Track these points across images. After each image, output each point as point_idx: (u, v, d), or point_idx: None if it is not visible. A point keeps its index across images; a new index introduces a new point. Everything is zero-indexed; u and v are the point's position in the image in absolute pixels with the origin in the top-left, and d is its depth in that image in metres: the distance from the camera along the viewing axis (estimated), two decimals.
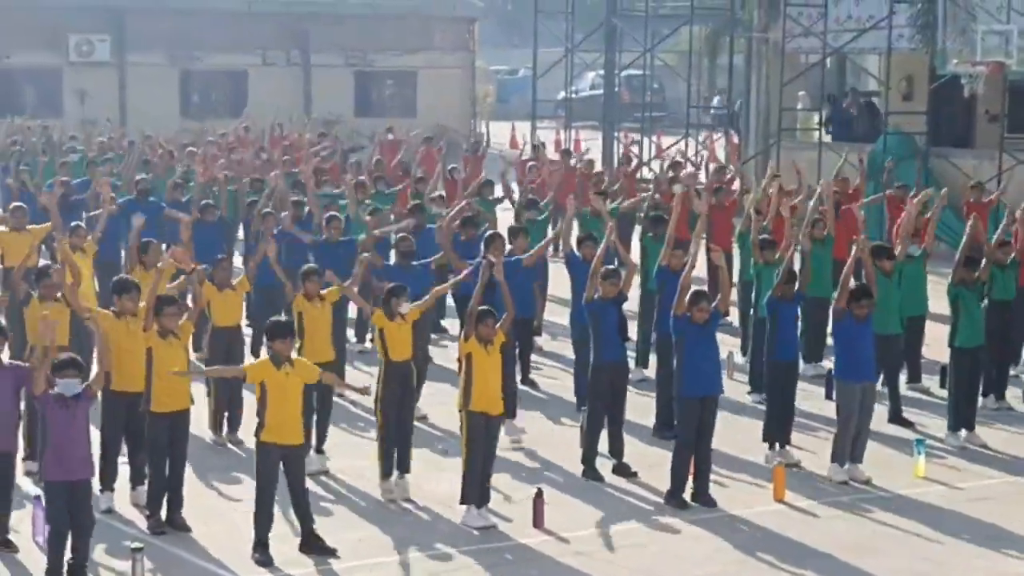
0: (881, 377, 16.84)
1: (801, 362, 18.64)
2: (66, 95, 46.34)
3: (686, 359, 14.32)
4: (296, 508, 12.94)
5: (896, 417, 17.22)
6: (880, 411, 16.34)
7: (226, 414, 16.26)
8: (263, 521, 12.75)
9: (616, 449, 15.36)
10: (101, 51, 46.54)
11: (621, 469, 15.28)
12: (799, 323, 16.34)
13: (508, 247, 17.68)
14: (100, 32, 46.49)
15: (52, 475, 12.14)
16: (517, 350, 17.41)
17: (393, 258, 18.58)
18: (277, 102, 46.11)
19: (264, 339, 13.48)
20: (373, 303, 15.11)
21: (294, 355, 13.22)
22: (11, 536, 12.94)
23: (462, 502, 13.72)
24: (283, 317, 14.37)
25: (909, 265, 18.11)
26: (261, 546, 12.73)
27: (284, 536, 13.02)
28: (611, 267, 15.66)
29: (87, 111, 45.20)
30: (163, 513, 13.39)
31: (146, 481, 13.71)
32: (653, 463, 15.28)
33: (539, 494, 13.80)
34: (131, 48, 46.69)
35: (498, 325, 13.78)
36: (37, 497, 12.95)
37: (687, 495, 14.29)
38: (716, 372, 14.55)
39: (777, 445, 15.65)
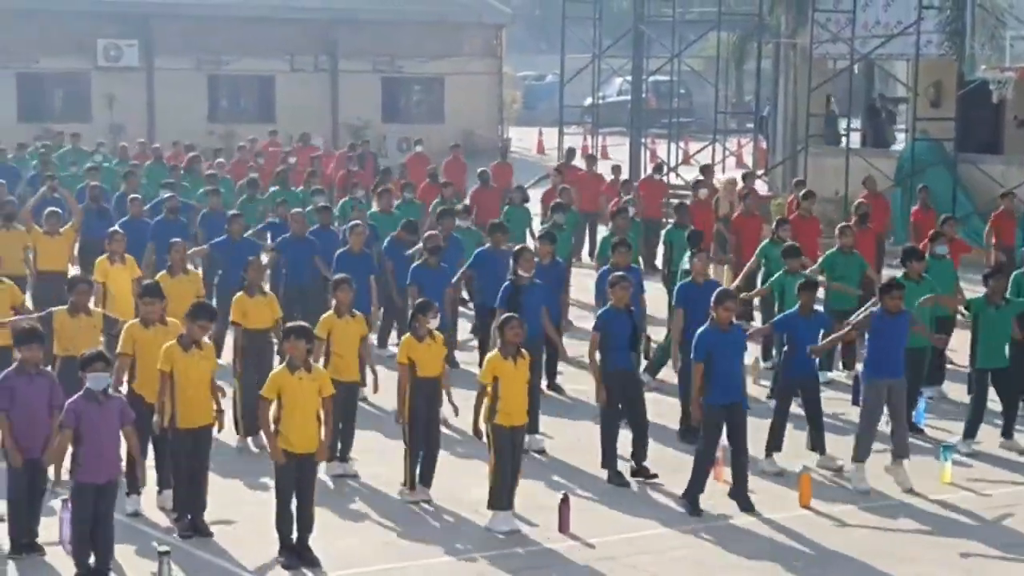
0: None
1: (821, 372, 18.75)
2: (94, 100, 46.52)
3: (715, 368, 14.29)
4: (299, 514, 12.87)
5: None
6: None
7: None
8: (284, 524, 12.77)
9: (638, 455, 15.35)
10: (129, 56, 46.74)
11: (641, 472, 15.28)
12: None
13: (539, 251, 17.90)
14: (128, 37, 46.69)
15: (84, 477, 12.20)
16: (544, 357, 17.44)
17: (420, 258, 18.58)
18: (304, 107, 46.38)
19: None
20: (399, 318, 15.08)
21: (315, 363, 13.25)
22: (39, 540, 12.99)
23: (491, 507, 13.73)
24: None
25: (937, 262, 18.12)
26: (285, 549, 12.76)
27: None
28: (621, 274, 15.68)
29: (115, 116, 45.38)
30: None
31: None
32: (678, 467, 15.27)
33: (565, 499, 13.80)
34: (159, 53, 46.88)
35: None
36: (64, 501, 12.99)
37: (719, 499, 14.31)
38: (740, 380, 14.51)
39: (775, 455, 15.67)
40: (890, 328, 15.02)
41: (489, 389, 13.71)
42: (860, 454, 15.13)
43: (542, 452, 16.22)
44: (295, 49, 48.30)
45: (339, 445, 15.24)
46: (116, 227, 19.67)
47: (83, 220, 22.03)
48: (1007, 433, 16.62)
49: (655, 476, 15.20)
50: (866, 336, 15.26)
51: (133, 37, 46.79)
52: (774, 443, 15.70)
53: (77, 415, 12.17)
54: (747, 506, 14.29)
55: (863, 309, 15.94)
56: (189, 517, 13.41)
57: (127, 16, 46.46)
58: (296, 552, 12.78)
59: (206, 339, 13.59)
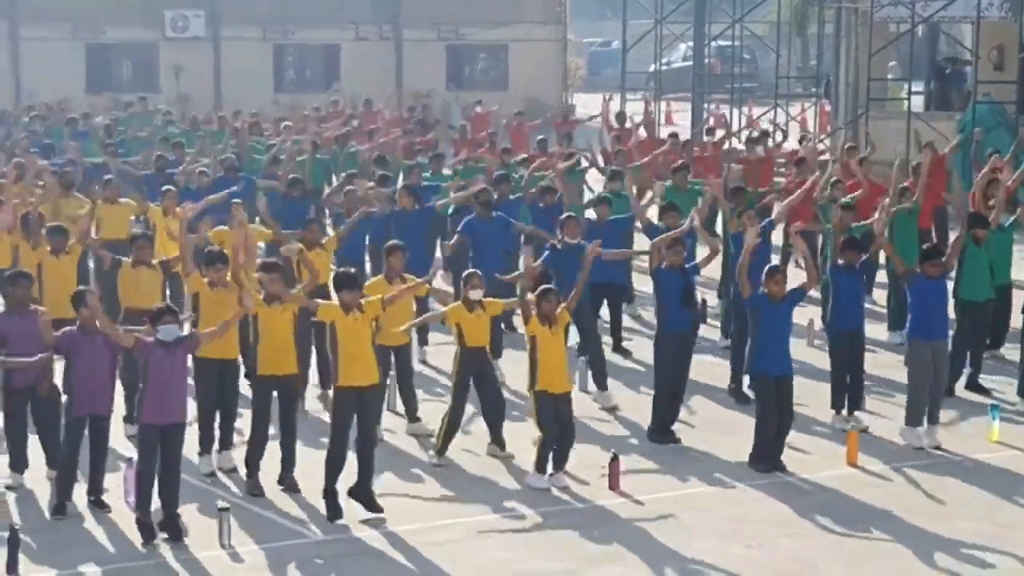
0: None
1: (887, 331, 18.89)
2: (162, 71, 47.09)
3: (761, 336, 14.51)
4: (360, 455, 13.25)
5: (973, 384, 17.30)
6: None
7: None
8: (333, 469, 13.15)
9: (671, 417, 15.61)
10: (196, 26, 47.29)
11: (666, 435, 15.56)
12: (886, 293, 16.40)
13: (594, 216, 18.23)
14: (195, 7, 47.20)
15: (148, 418, 12.62)
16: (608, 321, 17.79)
17: (474, 211, 18.79)
18: (369, 76, 46.70)
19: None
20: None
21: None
22: (104, 497, 13.44)
23: (537, 470, 14.05)
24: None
25: (998, 234, 18.17)
26: (330, 495, 13.15)
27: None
28: (676, 234, 15.89)
29: (182, 86, 45.92)
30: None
31: (234, 446, 14.23)
32: (728, 429, 15.51)
33: (615, 458, 14.09)
34: (225, 23, 47.35)
35: (563, 305, 14.04)
36: (130, 459, 13.42)
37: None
38: (788, 354, 14.68)
39: (844, 411, 15.81)
40: (931, 291, 15.19)
41: (528, 351, 14.03)
42: (912, 419, 15.28)
43: (615, 408, 16.54)
44: (360, 18, 48.60)
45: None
46: (171, 187, 20.05)
47: (148, 184, 22.56)
48: None
49: (679, 440, 15.43)
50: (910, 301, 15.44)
51: (199, 8, 47.31)
52: (836, 400, 15.87)
53: (146, 359, 12.61)
54: (782, 469, 14.49)
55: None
56: (284, 472, 13.81)
57: None
58: (358, 497, 13.20)
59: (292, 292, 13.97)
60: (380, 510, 13.22)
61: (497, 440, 14.94)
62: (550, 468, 14.04)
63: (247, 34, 47.20)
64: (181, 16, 47.15)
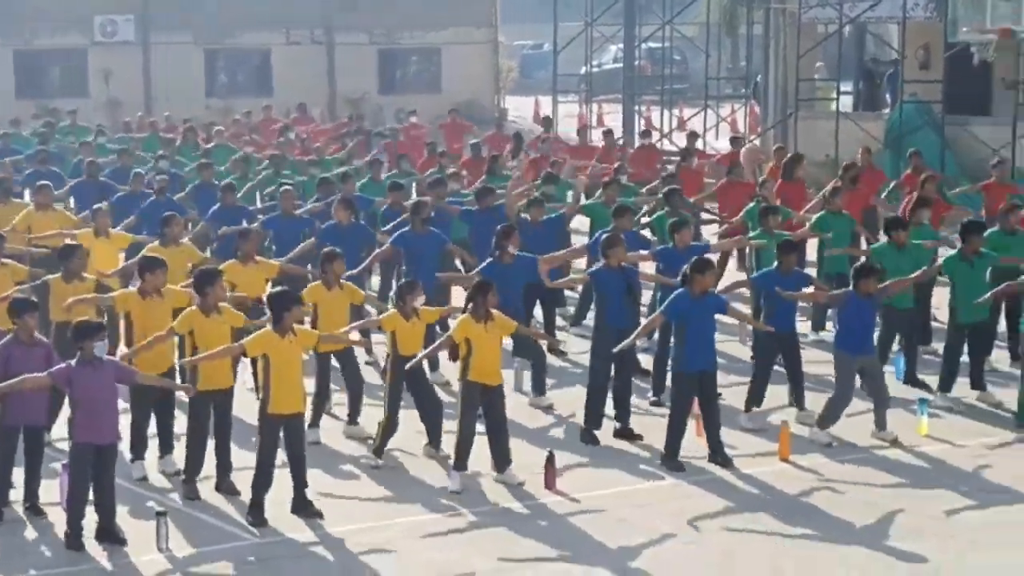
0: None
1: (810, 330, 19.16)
2: (91, 76, 46.84)
3: (686, 335, 14.65)
4: (294, 476, 13.35)
5: (911, 378, 17.56)
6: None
7: None
8: (261, 488, 13.20)
9: (623, 415, 15.75)
10: (125, 31, 47.03)
11: (625, 433, 15.69)
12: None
13: (528, 217, 18.60)
14: (124, 12, 46.96)
15: (81, 437, 12.61)
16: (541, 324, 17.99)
17: (410, 225, 18.82)
18: (301, 81, 46.62)
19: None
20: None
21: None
22: (40, 503, 13.43)
23: (456, 467, 14.13)
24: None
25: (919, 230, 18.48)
26: (256, 506, 13.20)
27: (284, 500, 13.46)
28: (612, 235, 16.06)
29: (112, 91, 45.70)
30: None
31: (174, 450, 14.28)
32: (662, 425, 15.66)
33: (550, 457, 14.21)
34: (155, 28, 47.15)
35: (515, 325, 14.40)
36: (65, 465, 13.40)
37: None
38: (712, 348, 14.84)
39: (754, 408, 16.04)
40: (860, 309, 15.39)
41: (451, 343, 14.14)
42: (826, 422, 15.45)
43: (550, 407, 16.72)
44: (291, 22, 48.53)
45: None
46: (101, 203, 20.00)
47: (80, 193, 22.54)
48: (980, 386, 17.01)
49: (640, 437, 15.58)
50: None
51: (129, 12, 47.08)
52: (753, 399, 16.08)
53: (70, 379, 12.57)
54: (727, 462, 14.68)
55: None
56: (222, 476, 13.86)
57: None
58: (299, 508, 13.29)
59: (226, 304, 13.99)
60: (320, 515, 13.30)
61: (435, 441, 15.02)
62: (492, 466, 14.14)
63: (177, 39, 47.00)
64: (110, 21, 46.89)
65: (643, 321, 15.71)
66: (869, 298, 15.44)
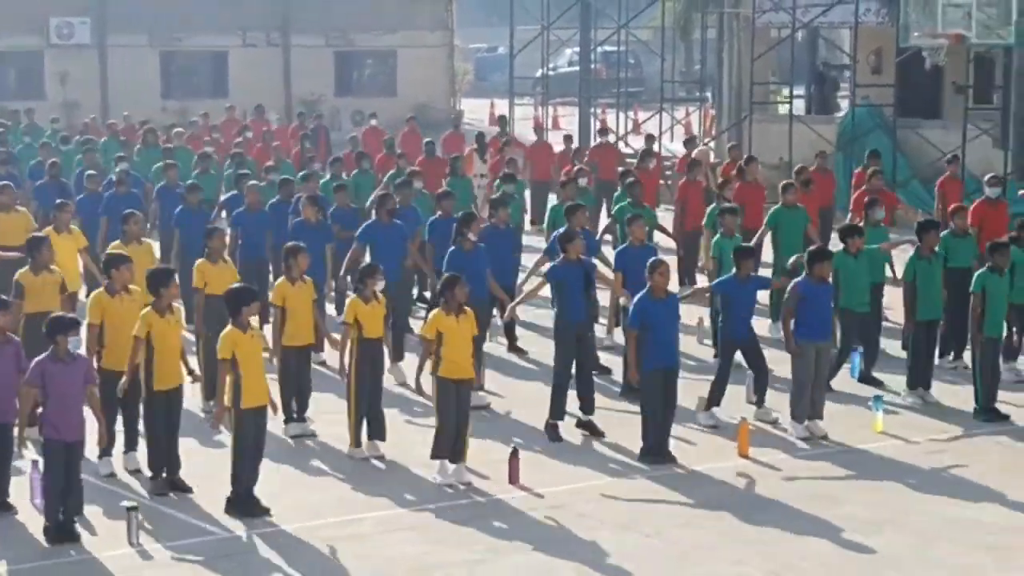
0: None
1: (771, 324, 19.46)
2: (48, 78, 46.78)
3: (649, 334, 14.93)
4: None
5: (866, 377, 17.89)
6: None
7: None
8: (243, 482, 13.40)
9: (586, 409, 16.00)
10: (81, 33, 47.01)
11: (588, 426, 15.94)
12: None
13: (491, 219, 18.62)
14: (80, 14, 46.93)
15: (52, 433, 12.77)
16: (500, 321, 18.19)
17: (374, 215, 18.99)
18: (257, 83, 46.71)
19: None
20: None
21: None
22: (9, 500, 13.55)
23: (433, 457, 14.36)
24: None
25: (875, 231, 18.78)
26: (240, 500, 13.40)
27: (271, 495, 13.66)
28: (575, 231, 16.31)
29: (69, 93, 45.66)
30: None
31: (138, 448, 14.42)
32: (623, 421, 15.93)
33: (514, 453, 14.45)
34: (112, 30, 47.12)
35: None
36: (35, 462, 13.56)
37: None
38: (676, 346, 15.14)
39: (715, 408, 16.32)
40: (817, 295, 15.74)
41: (433, 345, 14.34)
42: (797, 413, 15.82)
43: (487, 408, 16.84)
44: (247, 24, 48.60)
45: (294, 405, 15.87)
46: (65, 200, 20.10)
47: (42, 194, 22.58)
48: (927, 384, 17.38)
49: (603, 434, 15.83)
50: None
51: (85, 14, 47.04)
52: (713, 399, 16.36)
53: (43, 374, 12.72)
54: (670, 459, 14.93)
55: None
56: (164, 475, 13.97)
57: None
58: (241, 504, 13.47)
59: (176, 304, 14.17)
60: (267, 512, 13.47)
61: (376, 435, 15.19)
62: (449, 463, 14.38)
63: (134, 41, 47.00)
64: (66, 23, 46.85)
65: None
66: (823, 283, 15.76)
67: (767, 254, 20.81)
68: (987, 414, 16.45)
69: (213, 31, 47.87)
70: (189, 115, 37.54)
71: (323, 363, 17.97)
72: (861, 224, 18.73)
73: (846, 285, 17.34)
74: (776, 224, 20.16)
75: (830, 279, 16.16)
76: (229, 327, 13.55)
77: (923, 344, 17.30)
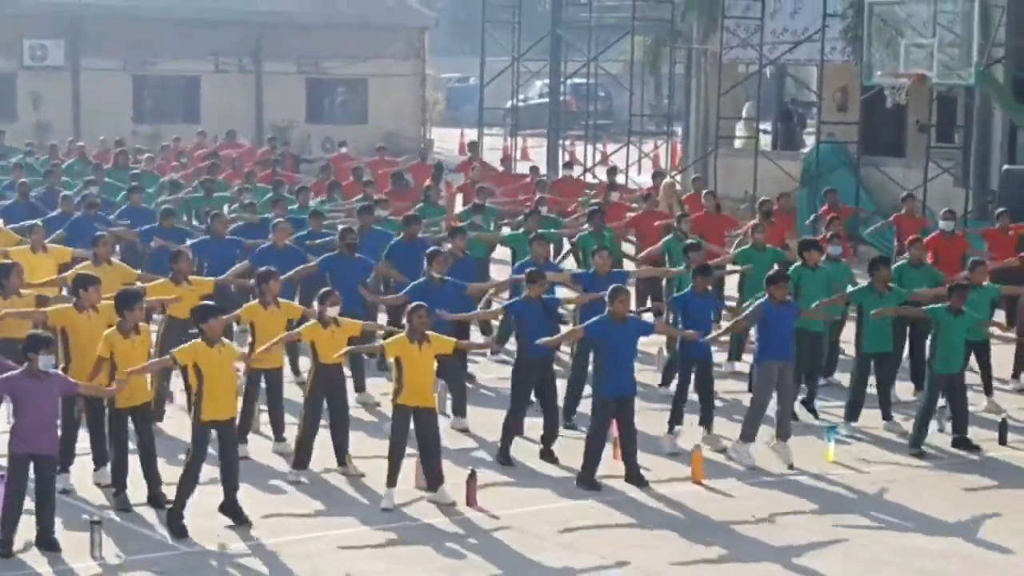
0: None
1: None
2: (20, 100, 46.96)
3: (605, 360, 15.25)
4: (224, 480, 13.82)
5: (808, 403, 18.20)
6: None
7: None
8: (185, 492, 13.64)
9: (547, 438, 16.28)
10: (55, 56, 47.23)
11: (548, 456, 16.24)
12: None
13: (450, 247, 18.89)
14: (54, 37, 47.16)
15: (19, 447, 13.00)
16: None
17: (337, 249, 19.19)
18: (229, 108, 47.00)
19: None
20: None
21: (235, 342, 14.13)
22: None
23: (387, 484, 14.59)
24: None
25: (833, 264, 19.08)
26: (176, 516, 13.61)
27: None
28: (535, 270, 16.62)
29: (41, 115, 45.86)
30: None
31: (108, 464, 14.65)
32: (578, 449, 16.23)
33: (472, 475, 14.73)
34: (85, 53, 47.36)
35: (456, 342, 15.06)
36: (1, 476, 13.76)
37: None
38: (631, 373, 15.42)
39: (678, 429, 16.61)
40: (778, 316, 16.08)
41: (393, 371, 14.62)
42: (748, 434, 16.15)
43: (465, 431, 17.23)
44: (220, 50, 48.91)
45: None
46: (38, 221, 20.30)
47: (10, 214, 22.80)
48: (887, 415, 17.72)
49: (556, 460, 16.11)
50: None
51: (59, 37, 47.28)
52: (675, 417, 16.65)
53: (13, 387, 12.98)
54: (642, 482, 15.27)
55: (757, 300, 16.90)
56: (126, 490, 14.23)
57: (53, 16, 46.95)
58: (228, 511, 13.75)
59: (143, 323, 14.42)
60: (248, 522, 13.75)
61: (342, 460, 15.45)
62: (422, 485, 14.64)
63: (106, 64, 47.26)
64: (40, 45, 47.08)
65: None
66: (784, 305, 16.10)
67: (731, 287, 21.18)
68: (915, 448, 16.73)
69: (186, 56, 48.17)
70: (161, 139, 37.79)
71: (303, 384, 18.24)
72: (821, 239, 19.05)
73: (805, 299, 17.62)
74: (745, 263, 20.33)
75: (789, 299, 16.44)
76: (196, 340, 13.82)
77: (866, 376, 17.60)
